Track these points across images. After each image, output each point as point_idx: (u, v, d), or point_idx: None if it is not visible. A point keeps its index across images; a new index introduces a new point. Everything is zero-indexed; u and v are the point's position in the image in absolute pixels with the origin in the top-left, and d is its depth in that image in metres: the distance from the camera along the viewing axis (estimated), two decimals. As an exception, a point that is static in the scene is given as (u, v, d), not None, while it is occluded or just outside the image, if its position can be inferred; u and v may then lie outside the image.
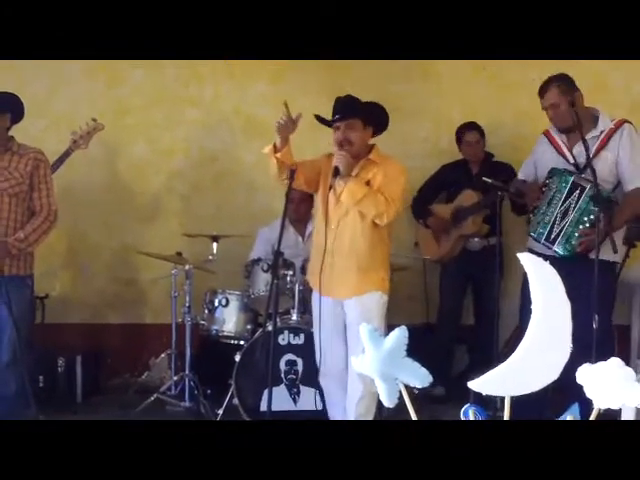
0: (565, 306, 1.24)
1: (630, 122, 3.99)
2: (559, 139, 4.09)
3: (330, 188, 3.78)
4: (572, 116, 3.88)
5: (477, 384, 1.26)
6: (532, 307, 1.24)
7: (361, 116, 3.73)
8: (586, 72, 5.59)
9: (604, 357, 1.24)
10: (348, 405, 3.80)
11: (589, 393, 1.26)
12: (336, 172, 3.68)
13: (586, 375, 1.26)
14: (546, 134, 4.19)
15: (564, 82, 4.00)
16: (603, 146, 3.94)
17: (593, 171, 3.73)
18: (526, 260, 1.23)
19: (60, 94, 5.55)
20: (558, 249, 3.88)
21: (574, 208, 3.85)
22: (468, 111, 5.47)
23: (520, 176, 4.36)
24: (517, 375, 1.24)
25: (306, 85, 5.60)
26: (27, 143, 4.03)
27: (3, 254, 3.71)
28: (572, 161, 4.00)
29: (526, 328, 1.23)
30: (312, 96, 5.41)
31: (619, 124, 3.92)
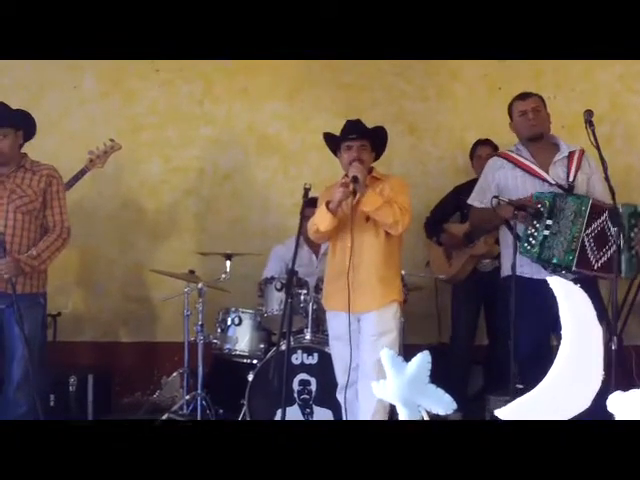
0: (596, 331, 1.20)
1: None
2: (526, 161, 3.98)
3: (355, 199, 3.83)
4: (547, 124, 4.06)
5: (505, 412, 1.22)
6: (562, 332, 1.20)
7: (372, 140, 3.92)
8: (603, 93, 5.59)
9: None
10: (362, 419, 3.79)
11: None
12: (355, 180, 3.75)
13: (617, 403, 1.22)
14: (505, 156, 4.06)
15: (543, 100, 4.11)
16: (579, 168, 3.95)
17: (611, 190, 3.68)
18: (556, 284, 1.19)
19: (75, 111, 5.57)
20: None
21: (616, 234, 3.64)
22: (483, 130, 5.44)
23: (479, 205, 4.13)
24: (546, 403, 1.20)
25: (320, 104, 5.60)
26: (42, 160, 4.02)
27: (16, 272, 3.69)
28: (553, 182, 3.91)
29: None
30: (326, 115, 5.41)
31: (583, 150, 3.94)
